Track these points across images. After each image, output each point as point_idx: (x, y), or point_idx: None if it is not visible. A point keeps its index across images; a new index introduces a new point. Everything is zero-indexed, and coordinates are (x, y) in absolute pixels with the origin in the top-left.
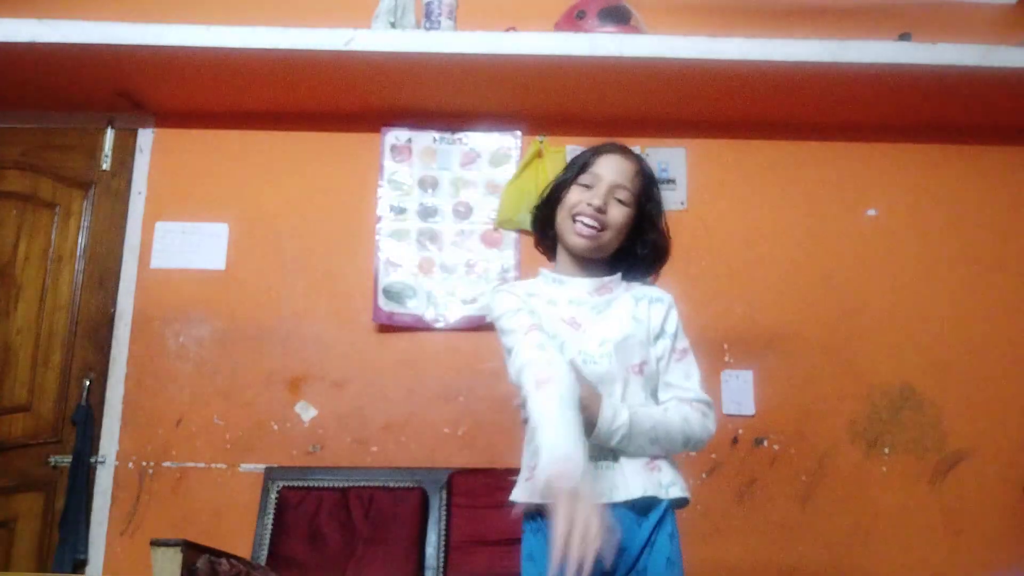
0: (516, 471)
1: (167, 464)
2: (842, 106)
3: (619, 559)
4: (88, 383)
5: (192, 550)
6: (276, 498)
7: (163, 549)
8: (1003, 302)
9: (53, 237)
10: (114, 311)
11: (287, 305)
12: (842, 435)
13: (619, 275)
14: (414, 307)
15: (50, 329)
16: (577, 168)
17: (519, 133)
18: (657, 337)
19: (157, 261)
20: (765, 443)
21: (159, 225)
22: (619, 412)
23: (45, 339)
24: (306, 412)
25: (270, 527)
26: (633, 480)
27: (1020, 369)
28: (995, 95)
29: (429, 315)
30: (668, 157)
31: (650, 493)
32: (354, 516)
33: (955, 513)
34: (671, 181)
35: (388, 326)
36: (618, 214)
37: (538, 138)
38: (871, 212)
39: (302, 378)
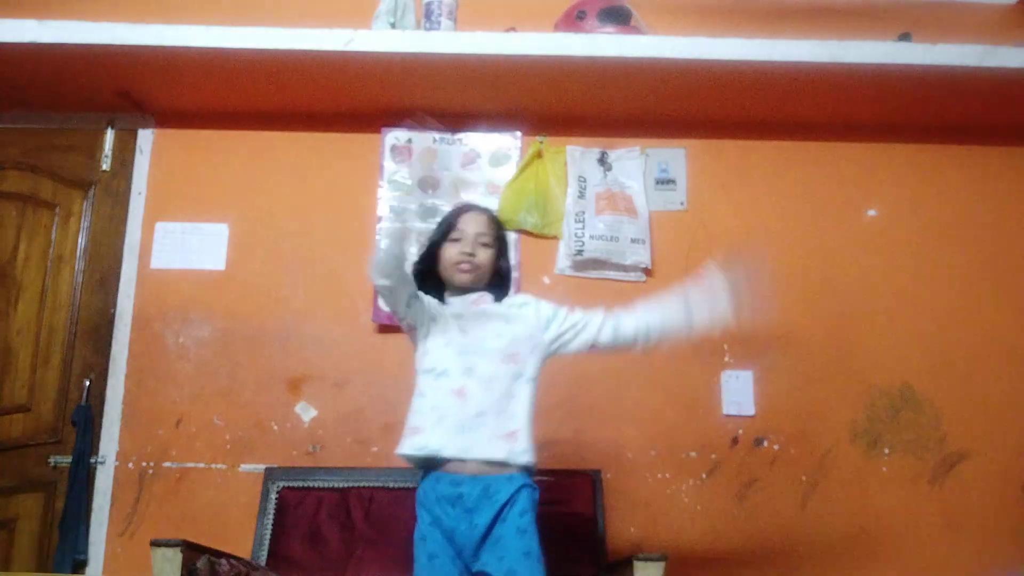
0: None
1: (167, 464)
2: (842, 106)
3: (472, 530)
4: (88, 383)
5: (192, 550)
6: (276, 498)
7: (163, 549)
8: (1003, 302)
9: (53, 237)
10: (114, 311)
11: (287, 305)
12: (842, 435)
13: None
14: None
15: (50, 329)
16: (444, 228)
17: (519, 133)
18: (549, 321)
19: (157, 261)
20: (765, 443)
21: (159, 225)
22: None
23: (45, 339)
24: (306, 412)
25: (270, 527)
26: (488, 445)
27: (1020, 369)
28: (995, 95)
29: None
30: (668, 157)
31: (499, 457)
32: (354, 516)
33: (955, 513)
34: (671, 181)
35: (388, 326)
36: (484, 255)
37: (538, 138)
38: (871, 212)
39: (302, 378)
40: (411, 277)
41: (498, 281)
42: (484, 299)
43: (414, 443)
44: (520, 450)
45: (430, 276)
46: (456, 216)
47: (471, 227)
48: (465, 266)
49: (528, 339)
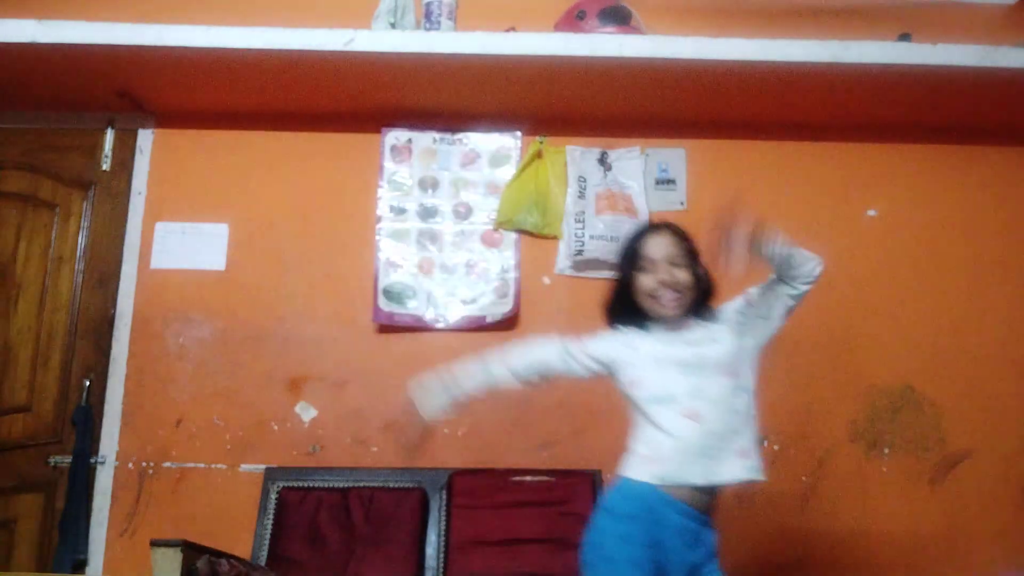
0: (516, 471)
1: (167, 464)
2: (842, 106)
3: (683, 567)
4: (88, 383)
5: (192, 550)
6: (276, 498)
7: (163, 549)
8: (1003, 302)
9: (53, 237)
10: (114, 311)
11: (287, 305)
12: (842, 435)
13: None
14: (414, 307)
15: (50, 329)
16: (630, 260)
17: (519, 133)
18: (740, 324)
19: (157, 261)
20: (765, 443)
21: (159, 225)
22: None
23: (45, 339)
24: (306, 412)
25: (270, 527)
26: (730, 466)
27: (1020, 369)
28: (995, 95)
29: (429, 315)
30: (668, 157)
31: (742, 478)
32: (354, 516)
33: (955, 513)
34: (671, 181)
35: (388, 326)
36: (683, 276)
37: (538, 138)
38: (871, 212)
39: (302, 378)
40: (532, 374)
41: (701, 297)
42: (689, 320)
43: (653, 472)
44: (755, 467)
45: (629, 308)
46: (638, 242)
47: (658, 251)
48: (668, 298)
49: (740, 349)
